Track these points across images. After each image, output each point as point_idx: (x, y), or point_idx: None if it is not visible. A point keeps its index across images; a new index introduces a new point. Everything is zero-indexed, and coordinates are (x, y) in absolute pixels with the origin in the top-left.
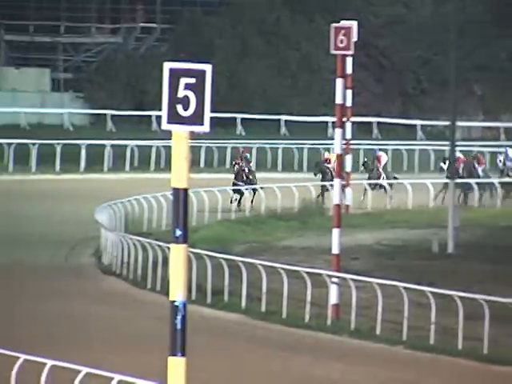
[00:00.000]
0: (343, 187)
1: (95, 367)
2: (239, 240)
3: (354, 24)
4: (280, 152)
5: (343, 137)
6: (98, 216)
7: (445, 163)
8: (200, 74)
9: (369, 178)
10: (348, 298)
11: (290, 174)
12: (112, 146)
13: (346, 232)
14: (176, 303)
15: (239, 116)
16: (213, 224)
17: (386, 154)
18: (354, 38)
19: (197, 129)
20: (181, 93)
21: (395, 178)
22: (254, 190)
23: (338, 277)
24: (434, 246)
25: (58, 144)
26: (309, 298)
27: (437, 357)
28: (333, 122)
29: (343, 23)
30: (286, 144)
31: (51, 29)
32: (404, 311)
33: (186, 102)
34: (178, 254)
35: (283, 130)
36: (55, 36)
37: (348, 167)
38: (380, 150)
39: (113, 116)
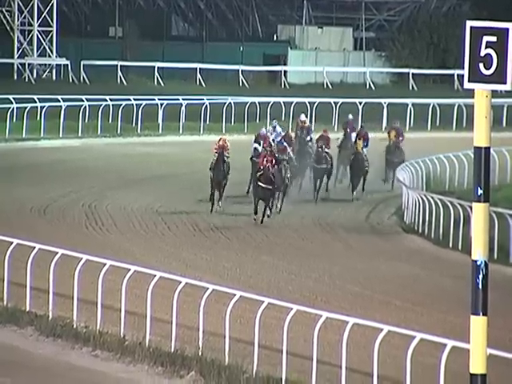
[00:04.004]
0: None
1: (394, 325)
2: None
3: None
4: None
5: None
6: (399, 174)
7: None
8: (502, 33)
9: None
10: None
11: None
12: (413, 104)
13: None
14: (478, 262)
15: None
16: None
17: None
18: None
19: (498, 87)
20: (482, 51)
21: None
22: None
23: None
24: None
25: (360, 103)
26: None
27: None
28: None
29: None
30: None
31: None
32: None
33: (487, 61)
34: (479, 212)
35: None
36: None
37: None
38: None
39: (414, 74)
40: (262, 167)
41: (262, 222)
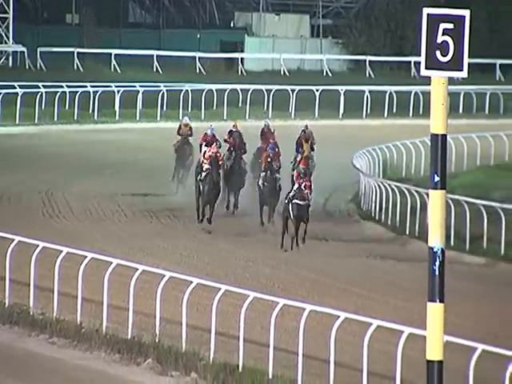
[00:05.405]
0: None
1: (354, 313)
2: (498, 186)
3: None
4: None
5: None
6: (356, 162)
7: None
8: (458, 20)
9: None
10: None
11: None
12: (370, 91)
13: None
14: (434, 249)
15: (498, 62)
16: (472, 170)
17: None
18: None
19: (455, 74)
20: (439, 38)
21: None
22: None
23: None
24: None
25: (317, 90)
26: None
27: None
28: None
29: None
30: None
31: None
32: None
33: (444, 48)
34: (436, 199)
35: None
36: None
37: None
38: None
39: (371, 62)
40: (297, 185)
41: (292, 247)
